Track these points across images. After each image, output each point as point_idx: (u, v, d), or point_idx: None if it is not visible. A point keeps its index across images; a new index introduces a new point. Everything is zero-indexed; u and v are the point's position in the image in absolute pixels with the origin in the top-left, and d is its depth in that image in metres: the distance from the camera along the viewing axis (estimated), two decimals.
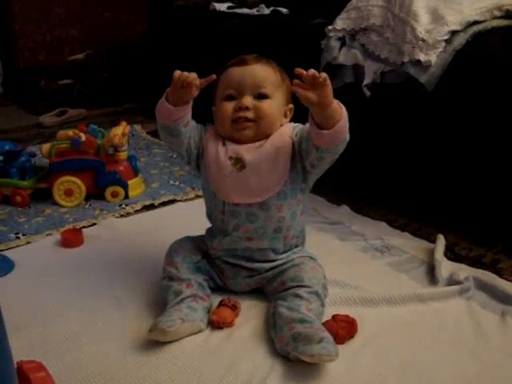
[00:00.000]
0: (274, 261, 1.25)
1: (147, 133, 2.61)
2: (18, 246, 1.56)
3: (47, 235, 1.61)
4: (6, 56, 3.41)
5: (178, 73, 1.14)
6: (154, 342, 1.10)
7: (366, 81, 1.64)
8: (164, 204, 1.84)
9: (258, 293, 1.28)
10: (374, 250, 1.51)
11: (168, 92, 1.17)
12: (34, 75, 3.12)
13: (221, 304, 1.20)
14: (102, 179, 1.85)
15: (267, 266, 1.25)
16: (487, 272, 1.38)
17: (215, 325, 1.16)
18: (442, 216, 1.68)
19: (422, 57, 1.48)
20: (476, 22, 1.52)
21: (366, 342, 1.12)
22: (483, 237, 1.57)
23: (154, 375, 1.03)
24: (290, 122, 1.26)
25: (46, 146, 1.86)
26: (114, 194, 1.85)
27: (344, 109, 1.12)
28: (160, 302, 1.22)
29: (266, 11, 2.48)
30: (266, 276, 1.25)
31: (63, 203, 1.81)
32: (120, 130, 1.87)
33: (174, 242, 1.30)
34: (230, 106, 1.20)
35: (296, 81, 1.07)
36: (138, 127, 2.66)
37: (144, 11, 3.03)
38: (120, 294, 1.29)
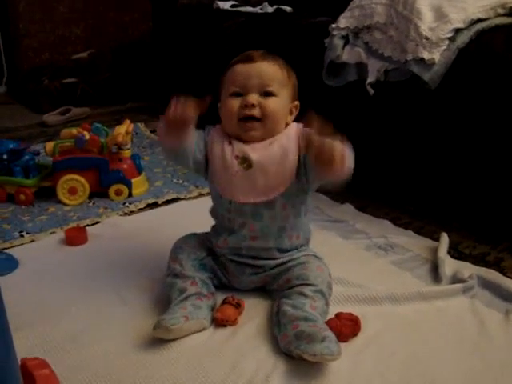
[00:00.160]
0: (279, 258, 1.25)
1: (151, 131, 2.60)
2: (22, 244, 1.56)
3: (51, 233, 1.62)
4: (9, 55, 3.41)
5: (169, 115, 1.11)
6: (158, 340, 1.10)
7: (370, 79, 1.64)
8: (167, 202, 1.84)
9: (261, 291, 1.28)
10: (377, 248, 1.51)
11: (165, 125, 1.15)
12: (37, 74, 3.12)
13: (224, 302, 1.20)
14: (106, 177, 1.85)
15: (272, 263, 1.25)
16: (491, 270, 1.38)
17: (219, 323, 1.16)
18: (445, 214, 1.68)
19: (426, 55, 1.48)
20: (479, 20, 1.51)
21: (369, 340, 1.12)
22: (487, 235, 1.57)
23: (158, 373, 1.03)
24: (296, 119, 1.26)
25: (49, 145, 1.86)
26: (118, 193, 1.86)
27: (347, 152, 1.07)
28: (164, 300, 1.22)
29: (270, 9, 2.47)
30: (271, 273, 1.25)
31: (67, 201, 1.82)
32: (123, 129, 1.87)
33: (179, 239, 1.30)
34: (236, 103, 1.20)
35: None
36: (141, 126, 2.66)
37: (148, 10, 3.03)
38: (124, 291, 1.30)
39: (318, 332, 1.03)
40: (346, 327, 1.12)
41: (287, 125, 1.24)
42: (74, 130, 1.88)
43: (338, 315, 1.14)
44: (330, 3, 2.07)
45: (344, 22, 1.73)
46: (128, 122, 1.95)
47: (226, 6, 2.59)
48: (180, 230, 1.35)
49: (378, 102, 1.70)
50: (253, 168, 1.18)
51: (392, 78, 1.61)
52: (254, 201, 1.19)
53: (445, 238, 1.50)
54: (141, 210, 1.80)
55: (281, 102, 1.20)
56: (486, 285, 1.31)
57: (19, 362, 0.80)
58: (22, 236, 1.60)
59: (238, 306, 1.19)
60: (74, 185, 1.81)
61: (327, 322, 1.11)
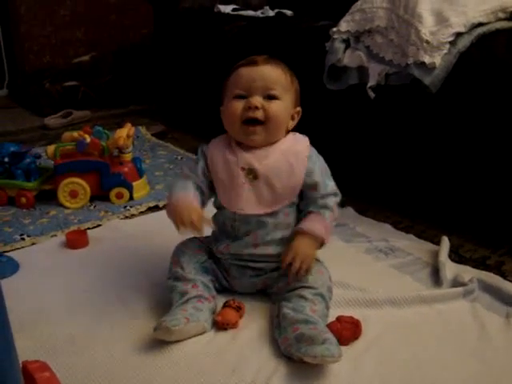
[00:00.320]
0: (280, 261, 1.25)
1: (152, 135, 2.61)
2: (23, 247, 1.56)
3: (52, 236, 1.62)
4: (11, 58, 3.42)
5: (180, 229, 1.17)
6: (159, 343, 1.10)
7: (371, 83, 1.64)
8: None
9: (262, 294, 1.28)
10: (378, 251, 1.51)
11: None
12: (38, 77, 3.13)
13: (225, 305, 1.20)
14: (107, 181, 1.85)
15: (273, 265, 1.25)
16: (492, 274, 1.38)
17: (220, 326, 1.16)
18: (446, 218, 1.68)
19: (427, 59, 1.48)
20: (480, 24, 1.52)
21: (369, 343, 1.12)
22: (488, 239, 1.57)
23: (159, 376, 1.03)
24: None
25: (50, 148, 1.87)
26: (119, 196, 1.86)
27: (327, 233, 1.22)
28: (165, 302, 1.22)
29: (271, 13, 2.48)
30: (272, 275, 1.26)
31: (68, 205, 1.82)
32: (125, 132, 1.87)
33: (181, 242, 1.31)
34: (239, 105, 1.20)
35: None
36: (142, 129, 2.66)
37: (149, 13, 3.04)
38: (125, 294, 1.30)
39: (318, 334, 1.03)
40: (347, 330, 1.12)
41: (287, 130, 1.25)
42: (75, 133, 1.88)
43: (338, 318, 1.14)
44: (330, 7, 2.08)
45: (345, 25, 1.73)
46: (129, 125, 1.95)
47: (227, 9, 2.60)
48: None
49: (378, 106, 1.70)
50: (258, 179, 1.19)
51: (393, 82, 1.62)
52: (259, 212, 1.21)
53: (445, 242, 1.50)
54: (142, 213, 1.80)
55: (284, 106, 1.21)
56: (487, 288, 1.31)
57: (20, 365, 0.80)
58: (22, 239, 1.60)
59: (239, 309, 1.19)
60: (74, 188, 1.82)
61: (328, 325, 1.11)
